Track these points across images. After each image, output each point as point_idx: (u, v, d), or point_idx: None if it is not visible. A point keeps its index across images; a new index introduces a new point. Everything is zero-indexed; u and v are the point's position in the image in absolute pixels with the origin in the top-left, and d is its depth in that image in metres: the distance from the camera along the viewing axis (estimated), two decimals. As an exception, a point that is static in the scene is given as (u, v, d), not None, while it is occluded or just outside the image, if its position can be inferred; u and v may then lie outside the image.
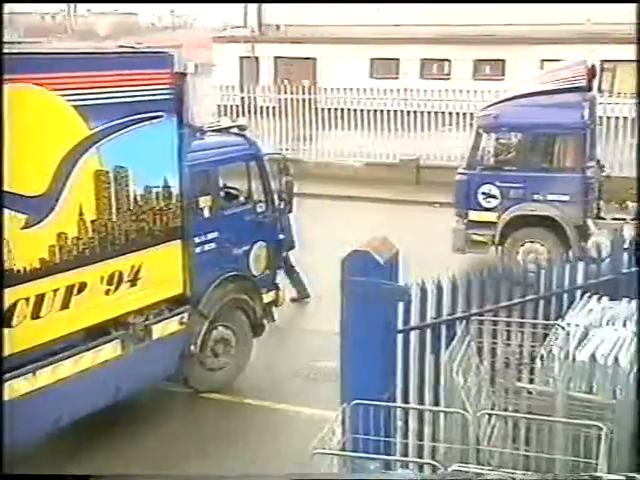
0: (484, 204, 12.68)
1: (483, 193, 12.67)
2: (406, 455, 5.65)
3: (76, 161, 6.94)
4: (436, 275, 6.19)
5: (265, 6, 33.81)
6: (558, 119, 12.38)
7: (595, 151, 13.77)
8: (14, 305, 6.57)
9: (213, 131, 9.40)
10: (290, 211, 9.97)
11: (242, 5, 35.87)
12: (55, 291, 6.90)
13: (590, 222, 12.43)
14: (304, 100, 21.99)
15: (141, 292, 7.71)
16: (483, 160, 12.85)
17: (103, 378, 7.44)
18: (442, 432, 5.42)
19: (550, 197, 12.39)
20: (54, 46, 10.64)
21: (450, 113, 20.70)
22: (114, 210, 7.32)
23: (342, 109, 21.57)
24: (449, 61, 29.95)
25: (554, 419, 5.12)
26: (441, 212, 14.38)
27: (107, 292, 7.40)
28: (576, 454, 4.89)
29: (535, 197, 12.47)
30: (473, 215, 12.79)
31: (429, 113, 20.88)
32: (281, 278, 10.34)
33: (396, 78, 28.65)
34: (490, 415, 5.34)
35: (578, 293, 6.52)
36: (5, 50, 6.43)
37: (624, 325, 5.75)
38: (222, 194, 9.16)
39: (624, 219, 12.35)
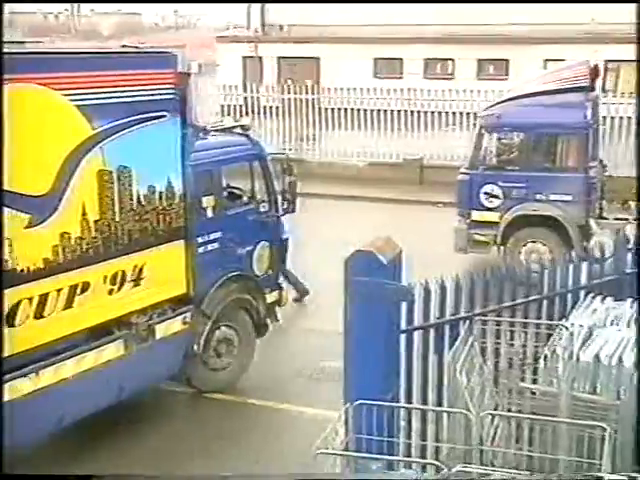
0: (486, 204, 12.67)
1: (485, 193, 12.67)
2: (409, 455, 5.65)
3: (79, 161, 6.94)
4: (439, 275, 6.18)
5: (268, 6, 33.83)
6: (561, 119, 12.38)
7: (598, 151, 13.76)
8: (17, 305, 6.57)
9: (216, 131, 9.39)
10: (293, 211, 9.96)
11: (245, 5, 35.88)
12: (58, 291, 6.90)
13: (592, 222, 12.43)
14: (307, 100, 21.99)
15: (144, 292, 7.71)
16: (485, 160, 12.86)
17: (106, 378, 7.44)
18: (445, 432, 5.40)
19: (552, 197, 12.39)
20: (57, 46, 10.65)
21: (454, 113, 20.70)
22: (117, 210, 7.31)
23: (345, 109, 21.56)
24: (453, 61, 29.95)
25: (558, 420, 5.12)
26: (444, 212, 14.37)
27: (110, 292, 7.40)
28: (580, 455, 4.88)
29: (537, 197, 12.46)
30: (475, 215, 12.78)
31: (433, 113, 20.87)
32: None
33: (400, 78, 28.64)
34: (493, 415, 5.33)
35: (582, 293, 6.51)
36: (9, 50, 6.43)
37: (628, 325, 5.74)
38: (225, 194, 9.15)
39: (626, 219, 12.33)
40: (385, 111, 21.15)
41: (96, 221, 7.14)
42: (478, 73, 29.44)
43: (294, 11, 32.11)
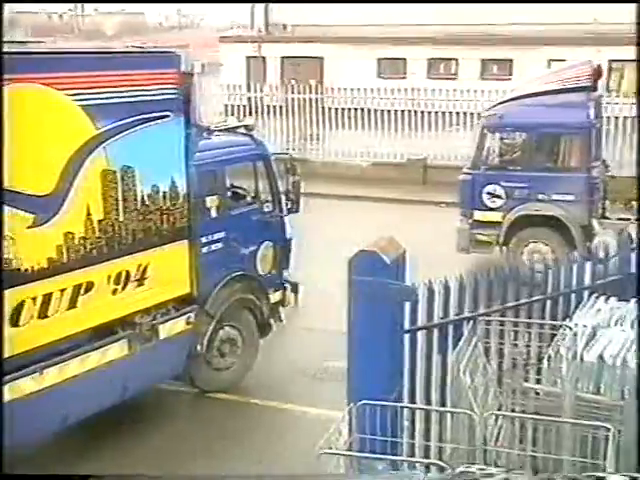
0: (489, 204, 12.67)
1: (488, 193, 12.67)
2: (413, 455, 5.65)
3: (83, 161, 6.95)
4: (443, 275, 6.18)
5: (272, 6, 33.83)
6: (563, 119, 12.37)
7: (600, 151, 13.74)
8: (21, 304, 6.58)
9: (220, 131, 9.39)
10: (297, 211, 9.96)
11: (249, 5, 35.90)
12: (62, 291, 6.91)
13: (595, 222, 12.42)
14: (311, 100, 21.98)
15: (148, 292, 7.72)
16: (488, 160, 12.86)
17: (110, 378, 7.45)
18: (449, 432, 5.40)
19: (555, 197, 12.38)
20: (61, 46, 10.66)
21: (457, 113, 20.68)
22: (121, 210, 7.32)
23: (349, 109, 21.56)
24: (456, 61, 29.91)
25: (561, 420, 5.11)
26: (448, 212, 14.36)
27: (114, 292, 7.40)
28: (583, 455, 4.88)
29: (540, 197, 12.45)
30: (478, 215, 12.79)
31: (436, 113, 20.86)
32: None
33: (403, 78, 28.61)
34: (497, 416, 5.33)
35: (586, 293, 6.51)
36: (12, 50, 6.45)
37: (632, 326, 5.73)
38: (229, 194, 9.16)
39: (629, 219, 12.32)
40: (389, 111, 21.15)
41: (100, 221, 7.15)
42: (482, 73, 29.38)
43: (298, 11, 32.11)
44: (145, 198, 7.54)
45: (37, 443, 7.07)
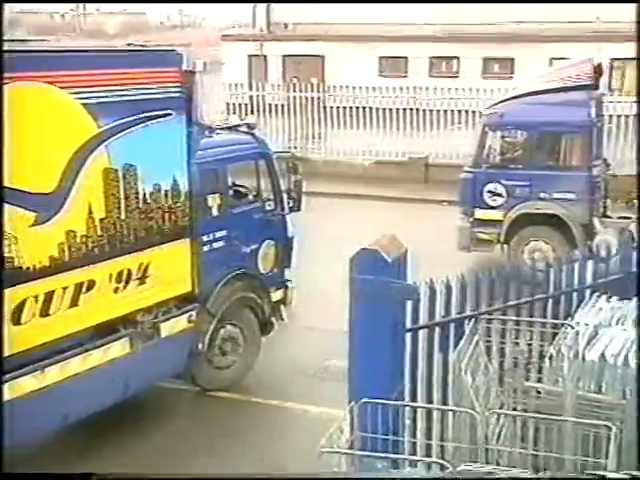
0: (490, 202, 12.68)
1: (489, 191, 12.67)
2: (414, 454, 5.64)
3: (85, 159, 6.95)
4: (444, 274, 6.17)
5: (274, 4, 33.84)
6: (564, 117, 12.36)
7: (602, 149, 13.74)
8: (23, 303, 6.59)
9: (222, 129, 9.40)
10: (299, 209, 9.96)
11: (251, 4, 35.90)
12: (64, 289, 6.91)
13: (596, 221, 12.41)
14: (313, 98, 21.99)
15: (150, 290, 7.72)
16: (489, 158, 12.85)
17: (112, 376, 7.45)
18: (450, 431, 5.40)
19: (556, 195, 12.38)
20: (63, 44, 10.66)
21: (459, 111, 20.68)
22: (123, 208, 7.32)
23: (351, 107, 21.56)
24: (458, 59, 29.90)
25: (563, 419, 5.10)
26: (449, 210, 14.35)
27: (116, 290, 7.41)
28: (585, 454, 4.87)
29: (541, 195, 12.45)
30: (479, 213, 12.79)
31: (438, 111, 20.86)
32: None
33: (405, 76, 28.61)
34: (499, 414, 5.33)
35: (587, 292, 6.50)
36: (15, 48, 6.45)
37: (634, 325, 5.72)
38: (231, 192, 9.15)
39: (630, 218, 12.31)
40: (390, 109, 21.16)
41: (102, 219, 7.15)
42: (483, 71, 29.38)
43: (299, 9, 32.12)
44: (147, 196, 7.55)
45: (38, 442, 7.07)
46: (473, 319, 5.94)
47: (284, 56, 31.80)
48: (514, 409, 5.67)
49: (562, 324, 5.82)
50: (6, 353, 6.15)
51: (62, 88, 6.74)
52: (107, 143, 7.11)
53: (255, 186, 9.51)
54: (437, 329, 6.09)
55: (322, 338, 10.08)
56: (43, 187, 6.66)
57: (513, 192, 12.55)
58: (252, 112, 21.10)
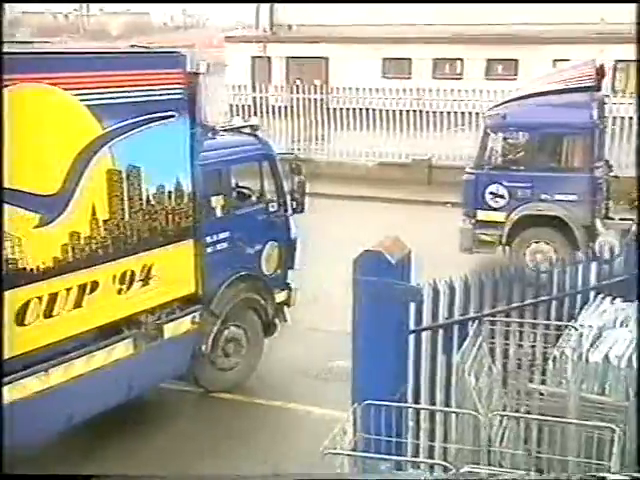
0: (492, 204, 12.68)
1: (491, 193, 12.67)
2: (417, 456, 5.64)
3: (89, 160, 6.96)
4: (448, 275, 6.17)
5: (277, 6, 33.82)
6: (566, 119, 12.36)
7: (604, 151, 13.74)
8: (27, 304, 6.59)
9: (225, 131, 9.41)
10: (302, 211, 9.97)
11: (254, 5, 35.90)
12: (68, 290, 6.92)
13: (598, 222, 12.40)
14: (316, 100, 21.99)
15: (153, 291, 7.72)
16: (491, 160, 12.85)
17: (115, 377, 7.46)
18: (454, 433, 5.40)
19: (558, 197, 12.38)
20: (67, 46, 10.68)
21: (462, 113, 20.68)
22: (126, 209, 7.33)
23: (354, 109, 21.55)
24: (461, 61, 29.89)
25: (566, 420, 5.10)
26: (453, 212, 14.35)
27: (119, 291, 7.41)
28: (588, 456, 4.87)
29: (543, 197, 12.45)
30: (481, 215, 12.79)
31: (441, 113, 20.84)
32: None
33: (408, 78, 28.60)
34: (502, 416, 5.32)
35: (591, 294, 6.50)
36: (19, 50, 6.46)
37: (638, 326, 5.72)
38: (234, 194, 9.16)
39: (632, 219, 12.30)
40: (394, 111, 21.15)
41: (105, 221, 7.15)
42: (487, 73, 29.36)
43: (303, 11, 32.10)
44: (150, 198, 7.55)
45: (42, 443, 7.07)
46: (477, 321, 5.94)
47: (287, 58, 31.82)
48: (517, 411, 5.67)
49: (566, 326, 5.82)
50: (10, 354, 6.16)
51: (66, 90, 6.74)
52: (111, 144, 7.12)
53: (258, 187, 9.52)
54: (440, 331, 6.09)
55: (325, 339, 10.08)
56: (47, 188, 6.67)
57: (515, 194, 12.56)
58: (255, 114, 21.11)
